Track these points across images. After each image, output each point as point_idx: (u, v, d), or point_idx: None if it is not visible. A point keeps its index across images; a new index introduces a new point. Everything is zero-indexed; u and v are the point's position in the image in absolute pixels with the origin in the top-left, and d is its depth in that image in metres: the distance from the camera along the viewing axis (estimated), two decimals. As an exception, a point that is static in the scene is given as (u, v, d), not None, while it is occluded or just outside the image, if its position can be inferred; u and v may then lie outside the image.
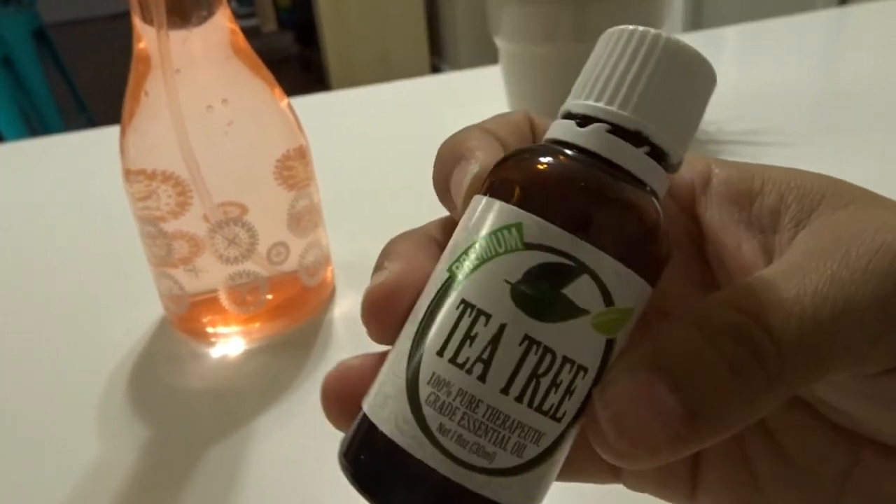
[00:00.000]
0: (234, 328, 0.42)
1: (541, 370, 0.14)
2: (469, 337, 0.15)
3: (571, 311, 0.14)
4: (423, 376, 0.15)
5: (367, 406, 0.16)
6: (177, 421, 0.38)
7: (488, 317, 0.15)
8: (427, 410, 0.15)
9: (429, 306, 0.16)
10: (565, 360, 0.15)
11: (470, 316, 0.15)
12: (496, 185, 0.16)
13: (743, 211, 0.17)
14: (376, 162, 0.65)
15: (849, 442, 0.17)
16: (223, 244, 0.39)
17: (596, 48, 0.17)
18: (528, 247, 0.15)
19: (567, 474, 0.19)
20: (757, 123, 0.65)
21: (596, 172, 0.15)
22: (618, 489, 0.21)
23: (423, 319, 0.16)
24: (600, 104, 0.16)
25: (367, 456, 0.16)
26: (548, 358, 0.14)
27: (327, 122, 0.65)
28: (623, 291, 0.15)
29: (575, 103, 0.16)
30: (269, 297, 0.42)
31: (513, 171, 0.16)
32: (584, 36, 0.57)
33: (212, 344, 0.43)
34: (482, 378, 0.14)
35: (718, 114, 0.70)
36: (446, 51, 2.92)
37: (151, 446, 0.36)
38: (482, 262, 0.15)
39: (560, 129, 0.16)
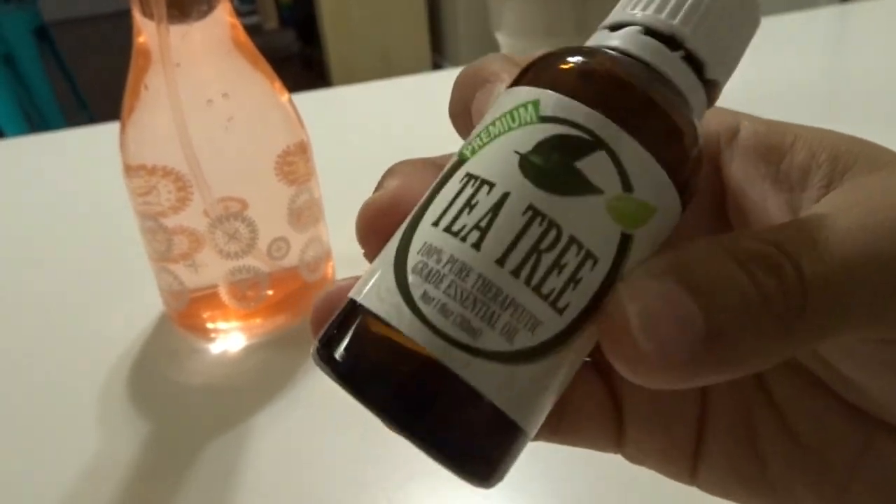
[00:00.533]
0: (234, 324, 0.42)
1: (543, 245, 0.13)
2: (469, 205, 0.13)
3: (582, 185, 0.13)
4: (415, 246, 0.14)
5: (352, 291, 0.15)
6: (176, 416, 0.38)
7: (492, 185, 0.13)
8: (412, 278, 0.13)
9: (433, 188, 0.15)
10: (572, 240, 0.13)
11: (473, 186, 0.14)
12: (518, 78, 0.15)
13: (771, 166, 0.16)
14: (377, 158, 0.65)
15: (862, 426, 0.16)
16: (223, 239, 0.39)
17: None
18: (543, 119, 0.14)
19: (564, 434, 0.19)
20: (759, 120, 0.65)
21: (625, 61, 0.15)
22: (618, 473, 0.21)
23: (424, 200, 0.15)
24: (639, 11, 0.15)
25: (340, 331, 0.14)
26: (552, 233, 0.13)
27: (328, 118, 0.65)
28: (645, 181, 0.14)
29: (610, 16, 0.16)
30: (270, 292, 0.42)
31: (537, 65, 0.15)
32: (585, 31, 0.57)
33: (212, 339, 0.43)
34: (477, 245, 0.13)
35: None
36: (447, 48, 2.92)
37: (151, 442, 0.36)
38: (494, 138, 0.14)
39: (593, 39, 0.16)
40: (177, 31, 0.36)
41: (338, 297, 0.16)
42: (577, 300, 0.13)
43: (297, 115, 0.42)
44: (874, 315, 0.13)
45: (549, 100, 0.14)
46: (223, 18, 0.38)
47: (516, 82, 0.15)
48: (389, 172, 0.17)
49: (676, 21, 0.15)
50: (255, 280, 0.41)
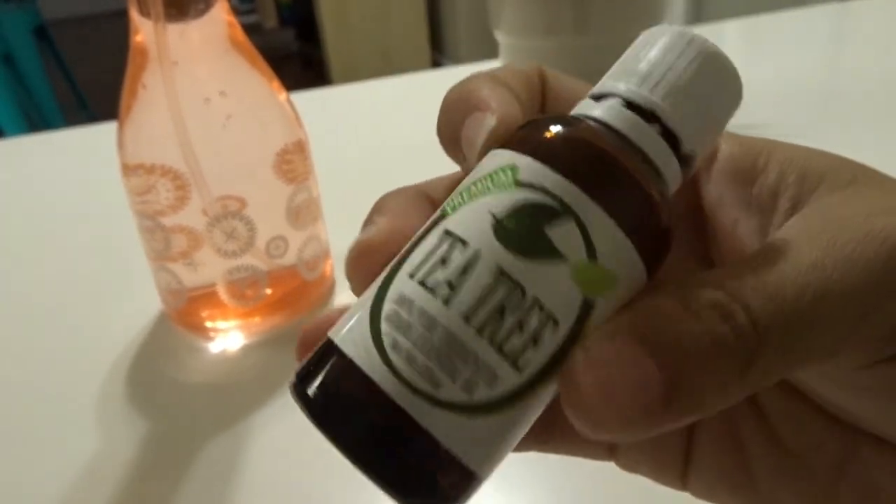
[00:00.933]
0: (232, 322, 0.42)
1: (508, 305, 0.14)
2: (443, 261, 0.14)
3: (550, 252, 0.14)
4: (391, 295, 0.15)
5: (332, 329, 0.16)
6: (175, 415, 0.38)
7: (465, 244, 0.14)
8: (384, 326, 0.14)
9: (415, 239, 0.15)
10: (535, 301, 0.14)
11: (448, 243, 0.15)
12: (505, 141, 0.16)
13: (743, 190, 0.17)
14: (376, 156, 0.65)
15: (845, 433, 0.17)
16: (222, 238, 0.39)
17: (645, 38, 0.17)
18: (519, 185, 0.14)
19: (557, 444, 0.19)
20: (758, 118, 0.65)
21: (602, 131, 0.15)
22: (612, 473, 0.21)
23: (406, 249, 0.15)
24: (620, 84, 0.16)
25: (315, 368, 0.15)
26: (517, 294, 0.14)
27: (327, 117, 0.65)
28: (610, 251, 0.14)
29: (597, 85, 0.17)
30: (269, 291, 0.42)
31: (522, 130, 0.16)
32: (584, 29, 0.57)
33: (211, 338, 0.43)
34: (446, 301, 0.14)
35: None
36: (447, 46, 2.92)
37: (150, 440, 0.36)
38: (473, 197, 0.15)
39: (578, 108, 0.17)
40: (174, 29, 0.36)
41: (325, 325, 0.16)
42: (536, 359, 0.14)
43: (295, 113, 0.42)
44: (829, 351, 0.13)
45: (526, 166, 0.15)
46: (221, 17, 0.38)
47: (502, 145, 0.16)
48: (378, 208, 0.17)
49: (656, 97, 0.16)
50: (254, 279, 0.41)
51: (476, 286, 0.14)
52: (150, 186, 0.38)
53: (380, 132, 0.71)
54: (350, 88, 0.86)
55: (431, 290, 0.14)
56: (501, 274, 0.14)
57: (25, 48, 2.16)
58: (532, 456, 0.20)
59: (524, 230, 0.14)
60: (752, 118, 0.65)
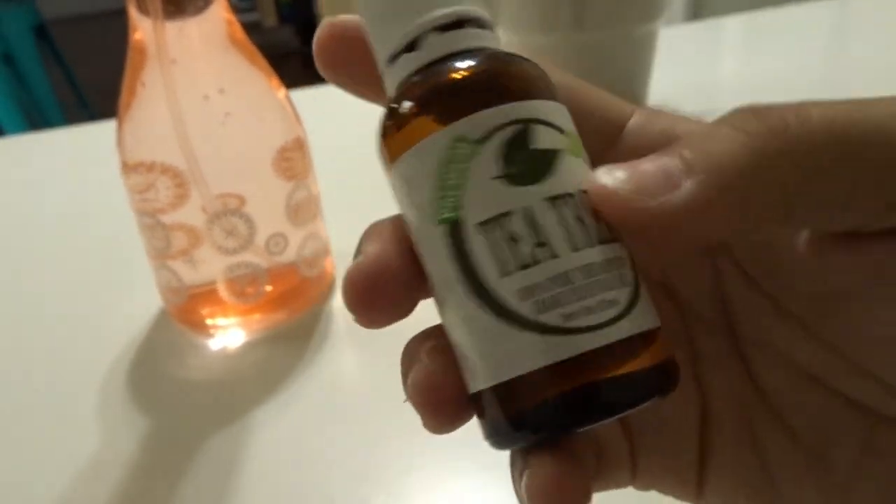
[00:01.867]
0: (233, 319, 0.42)
1: (578, 213, 0.15)
2: (513, 239, 0.15)
3: (552, 155, 0.15)
4: (511, 300, 0.14)
5: (483, 384, 0.15)
6: (176, 412, 0.38)
7: (509, 215, 0.15)
8: (544, 318, 0.14)
9: (452, 265, 0.15)
10: (583, 193, 0.15)
11: (497, 226, 0.15)
12: (409, 140, 0.16)
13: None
14: (375, 153, 0.65)
15: (862, 420, 0.17)
16: (222, 235, 0.39)
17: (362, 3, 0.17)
18: (481, 141, 0.15)
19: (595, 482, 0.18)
20: (758, 113, 0.65)
21: (453, 62, 0.16)
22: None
23: (459, 277, 0.15)
24: (409, 28, 0.16)
25: (518, 403, 0.15)
26: (570, 201, 0.15)
27: (326, 114, 0.65)
28: (558, 117, 0.16)
29: (395, 40, 0.17)
30: (268, 288, 0.42)
31: (413, 115, 0.16)
32: (583, 25, 0.57)
33: (211, 335, 0.43)
34: (554, 255, 0.14)
35: (719, 104, 0.70)
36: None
37: (151, 437, 0.36)
38: (461, 186, 0.15)
39: (401, 68, 0.17)
40: (173, 27, 0.36)
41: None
42: (609, 225, 0.16)
43: (294, 110, 0.42)
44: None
45: (467, 127, 0.15)
46: (219, 14, 0.38)
47: (405, 141, 0.16)
48: (366, 236, 0.17)
49: (453, 7, 0.16)
50: (254, 276, 0.41)
51: (554, 225, 0.15)
52: (150, 184, 0.38)
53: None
54: (350, 86, 0.86)
55: (536, 262, 0.14)
56: (552, 200, 0.15)
57: (25, 47, 2.16)
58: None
59: (527, 160, 0.15)
60: (752, 114, 0.64)
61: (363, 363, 0.41)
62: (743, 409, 0.18)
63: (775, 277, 0.17)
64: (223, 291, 0.41)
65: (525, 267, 0.14)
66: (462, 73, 0.16)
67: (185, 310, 0.42)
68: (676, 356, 0.16)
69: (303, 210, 0.42)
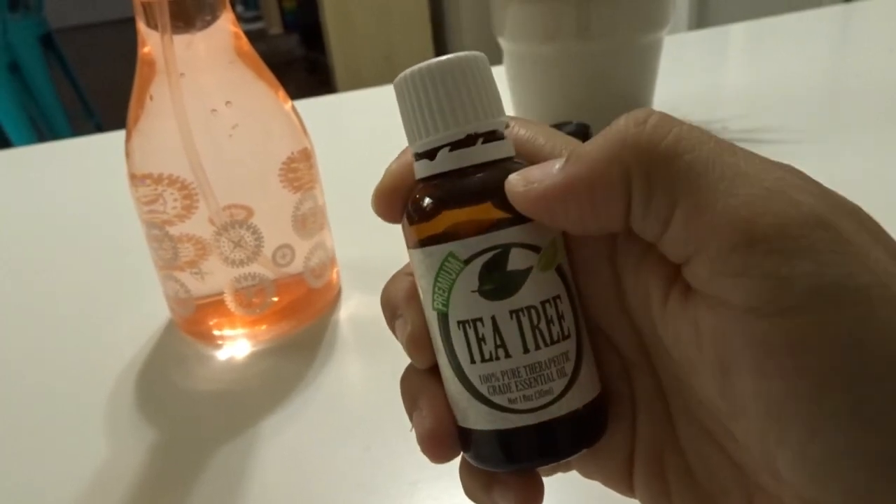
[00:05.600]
0: (240, 330, 0.43)
1: (535, 321, 0.19)
2: (480, 339, 0.19)
3: (521, 276, 0.19)
4: (475, 381, 0.20)
5: (461, 422, 0.20)
6: (184, 422, 0.38)
7: (481, 319, 0.19)
8: (494, 398, 0.19)
9: (443, 345, 0.20)
10: (543, 304, 0.19)
11: (471, 328, 0.19)
12: (419, 238, 0.20)
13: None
14: (381, 163, 0.65)
15: (744, 482, 0.18)
16: (229, 247, 0.40)
17: (398, 100, 0.21)
18: (467, 261, 0.19)
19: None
20: (762, 121, 0.65)
21: (457, 182, 0.20)
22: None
23: (447, 354, 0.20)
24: (432, 137, 0.20)
25: (487, 449, 0.20)
26: (533, 312, 0.19)
27: (332, 125, 0.65)
28: (535, 237, 0.19)
29: (416, 145, 0.20)
30: (275, 299, 0.42)
31: (421, 221, 0.20)
32: (587, 35, 0.57)
33: (218, 346, 0.43)
34: (508, 355, 0.19)
35: (723, 111, 0.70)
36: (450, 52, 2.92)
37: (158, 447, 0.37)
38: (448, 290, 0.19)
39: (421, 169, 0.20)
40: (181, 40, 0.36)
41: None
42: (568, 322, 0.20)
43: (300, 122, 0.42)
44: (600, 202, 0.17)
45: (459, 248, 0.19)
46: (226, 28, 0.38)
47: (418, 241, 0.20)
48: (396, 305, 0.22)
49: (461, 126, 0.20)
50: (261, 287, 0.41)
51: (511, 333, 0.19)
52: (158, 196, 0.39)
53: (385, 139, 0.71)
54: (354, 96, 0.86)
55: (494, 359, 0.19)
56: (516, 312, 0.19)
57: (32, 56, 2.17)
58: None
59: (499, 281, 0.19)
60: (756, 122, 0.65)
61: (369, 373, 0.41)
62: (658, 446, 0.21)
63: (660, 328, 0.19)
64: (230, 302, 0.41)
65: (486, 361, 0.19)
66: (460, 200, 0.19)
67: (193, 321, 0.43)
68: (607, 412, 0.21)
69: (309, 221, 0.42)
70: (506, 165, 0.20)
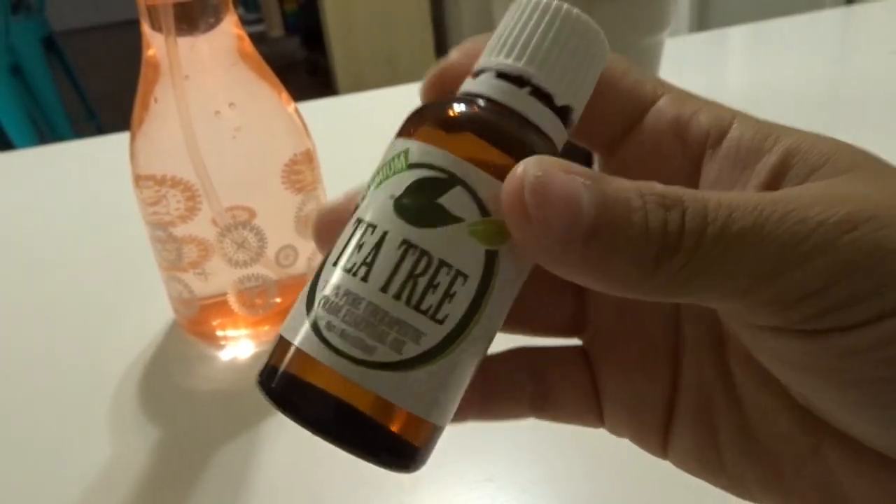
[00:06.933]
0: (243, 331, 0.43)
1: (417, 271, 0.16)
2: (358, 246, 0.16)
3: (445, 217, 0.16)
4: (320, 285, 0.17)
5: (282, 326, 0.18)
6: (186, 423, 0.39)
7: (374, 227, 0.16)
8: (318, 312, 0.16)
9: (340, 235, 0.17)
10: (442, 263, 0.16)
11: (361, 230, 0.17)
12: (401, 129, 0.18)
13: (746, 171, 0.17)
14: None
15: (812, 429, 0.17)
16: (232, 248, 0.40)
17: (502, 20, 0.18)
18: (411, 167, 0.16)
19: (551, 411, 0.21)
20: (763, 123, 0.65)
21: (471, 103, 0.17)
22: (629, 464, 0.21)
23: (335, 245, 0.17)
24: (493, 58, 0.18)
25: (271, 361, 0.17)
26: (424, 260, 0.16)
27: (335, 127, 0.65)
28: (494, 202, 0.16)
29: (476, 63, 0.18)
30: (278, 299, 0.42)
31: (410, 117, 0.18)
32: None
33: (221, 347, 0.43)
34: (365, 278, 0.16)
35: (725, 114, 0.70)
36: (452, 54, 2.92)
37: (161, 448, 0.37)
38: (378, 185, 0.17)
39: (463, 85, 0.18)
40: (184, 42, 0.36)
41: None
42: (455, 310, 0.16)
43: (303, 123, 0.43)
44: (732, 288, 0.14)
45: (415, 148, 0.17)
46: (230, 30, 0.38)
47: (398, 133, 0.18)
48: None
49: (522, 63, 0.17)
50: (264, 288, 0.42)
51: (387, 260, 0.16)
52: (161, 197, 0.39)
53: (387, 140, 0.71)
54: (357, 98, 0.86)
55: (352, 272, 0.16)
56: (408, 245, 0.16)
57: (34, 59, 2.18)
58: (536, 456, 0.20)
59: (421, 204, 0.16)
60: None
61: (372, 374, 0.41)
62: (710, 393, 0.19)
63: None
64: (233, 303, 0.41)
65: (345, 271, 0.16)
66: (458, 113, 0.17)
67: (196, 321, 0.43)
68: (416, 452, 0.17)
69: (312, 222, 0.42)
70: (531, 134, 0.17)
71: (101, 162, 0.73)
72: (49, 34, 2.28)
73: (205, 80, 0.38)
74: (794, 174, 0.16)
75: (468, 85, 0.18)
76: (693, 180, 0.18)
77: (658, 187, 0.14)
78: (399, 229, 0.16)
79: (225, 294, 0.41)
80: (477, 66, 0.18)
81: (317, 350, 0.16)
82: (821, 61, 0.84)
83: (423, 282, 0.16)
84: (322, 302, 0.16)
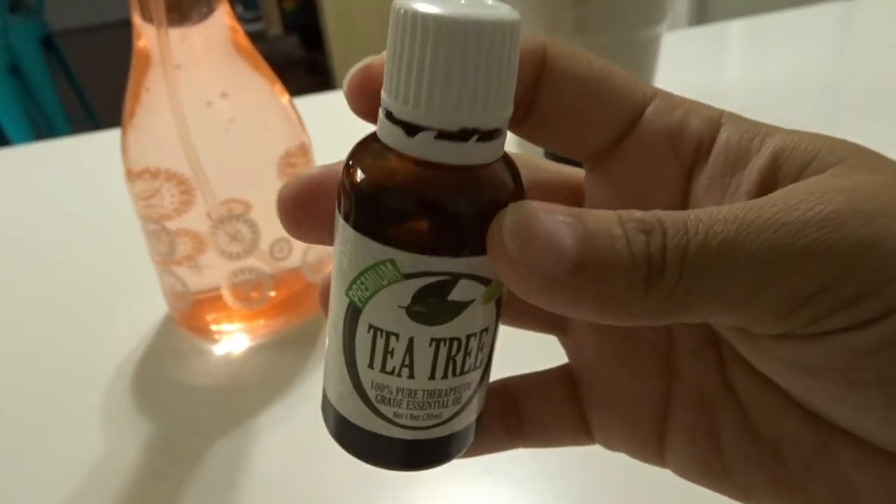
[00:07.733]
0: (237, 325, 0.42)
1: (453, 353, 0.17)
2: (388, 352, 0.17)
3: (461, 307, 0.16)
4: (365, 383, 0.18)
5: (332, 399, 0.19)
6: (181, 417, 0.38)
7: (397, 335, 0.17)
8: (380, 406, 0.18)
9: (343, 328, 0.18)
10: (469, 336, 0.17)
11: (382, 337, 0.17)
12: (355, 214, 0.16)
13: (736, 175, 0.17)
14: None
15: (818, 426, 0.17)
16: (226, 241, 0.40)
17: (391, 32, 0.16)
18: (407, 277, 0.16)
19: (534, 437, 0.21)
20: (763, 117, 0.65)
21: (441, 192, 0.15)
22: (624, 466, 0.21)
23: (343, 339, 0.18)
24: (419, 110, 0.15)
25: (351, 438, 0.19)
26: (455, 344, 0.17)
27: (330, 121, 0.65)
28: (489, 268, 0.16)
29: (396, 108, 0.15)
30: (273, 293, 0.42)
31: (367, 196, 0.16)
32: (586, 29, 0.57)
33: (215, 341, 0.43)
34: (411, 376, 0.17)
35: (724, 108, 0.70)
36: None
37: (156, 442, 0.36)
38: (374, 292, 0.16)
39: (390, 136, 0.16)
40: (176, 33, 0.36)
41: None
42: (486, 353, 0.18)
43: (297, 116, 0.42)
44: (729, 300, 0.14)
45: (405, 260, 0.16)
46: (223, 21, 0.38)
47: (352, 217, 0.16)
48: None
49: (463, 114, 0.15)
50: (258, 281, 0.41)
51: (424, 359, 0.17)
52: (155, 190, 0.38)
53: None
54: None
55: (395, 374, 0.17)
56: (437, 341, 0.17)
57: (32, 58, 2.17)
58: (535, 454, 0.20)
59: (433, 308, 0.16)
60: (757, 118, 0.64)
61: (367, 368, 0.41)
62: (707, 396, 0.19)
63: None
64: (228, 297, 0.41)
65: (386, 373, 0.17)
66: (424, 208, 0.15)
67: (190, 315, 0.43)
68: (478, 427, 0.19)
69: (307, 215, 0.42)
70: (494, 181, 0.16)
71: (97, 157, 0.72)
72: (48, 34, 2.27)
73: (197, 71, 0.38)
74: (784, 174, 0.16)
75: (404, 145, 0.15)
76: (686, 190, 0.18)
77: (637, 213, 0.14)
78: (422, 332, 0.17)
79: (219, 288, 0.41)
80: (400, 113, 0.15)
81: (395, 432, 0.18)
82: (820, 55, 0.84)
83: (460, 357, 0.17)
84: (378, 398, 0.18)
